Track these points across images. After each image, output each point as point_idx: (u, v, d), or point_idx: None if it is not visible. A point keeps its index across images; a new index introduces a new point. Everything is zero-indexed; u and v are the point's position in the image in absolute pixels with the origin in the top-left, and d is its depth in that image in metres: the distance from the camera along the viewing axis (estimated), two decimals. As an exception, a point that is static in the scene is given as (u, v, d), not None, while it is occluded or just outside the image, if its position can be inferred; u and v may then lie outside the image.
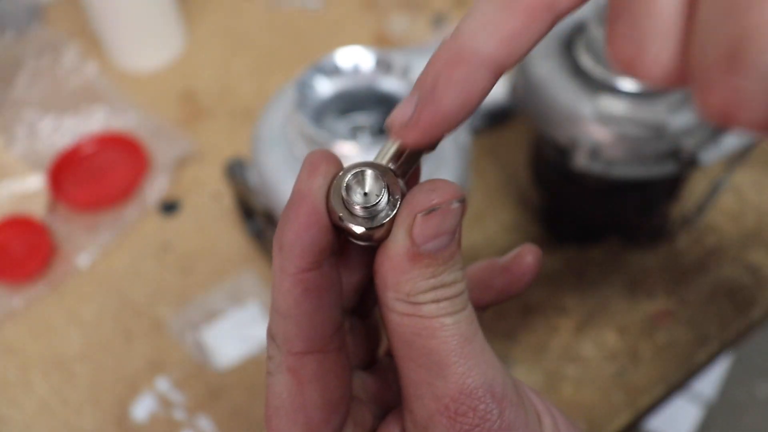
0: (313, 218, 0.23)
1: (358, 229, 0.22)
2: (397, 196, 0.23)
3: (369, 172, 0.23)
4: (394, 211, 0.22)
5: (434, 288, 0.22)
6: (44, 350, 0.65)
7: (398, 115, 0.22)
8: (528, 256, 0.28)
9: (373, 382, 0.29)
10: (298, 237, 0.23)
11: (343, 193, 0.23)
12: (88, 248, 0.71)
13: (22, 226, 0.71)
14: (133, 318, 0.67)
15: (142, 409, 0.61)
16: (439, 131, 0.21)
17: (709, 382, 1.33)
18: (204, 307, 0.66)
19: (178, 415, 0.61)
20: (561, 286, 0.66)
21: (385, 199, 0.22)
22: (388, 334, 0.23)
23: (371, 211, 0.22)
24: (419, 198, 0.22)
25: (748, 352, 1.35)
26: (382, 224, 0.22)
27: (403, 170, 0.23)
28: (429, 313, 0.22)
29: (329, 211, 0.23)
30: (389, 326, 0.23)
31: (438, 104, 0.21)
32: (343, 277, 0.26)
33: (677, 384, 0.62)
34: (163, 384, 0.62)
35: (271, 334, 0.24)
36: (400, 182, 0.23)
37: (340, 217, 0.22)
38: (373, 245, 0.23)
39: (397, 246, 0.22)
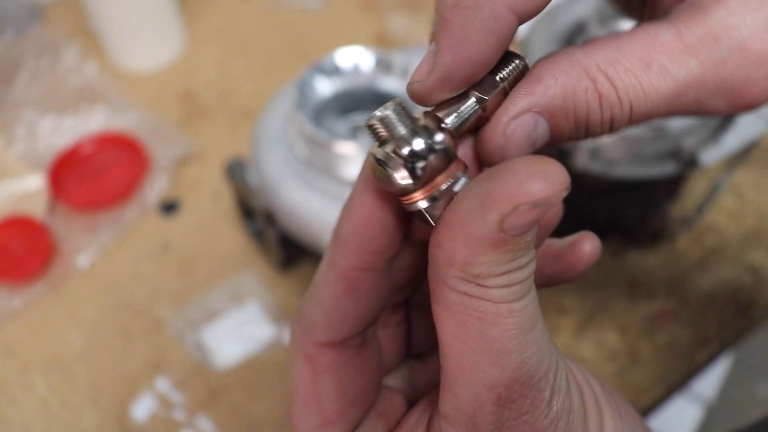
0: (376, 212, 0.21)
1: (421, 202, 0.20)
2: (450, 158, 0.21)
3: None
4: (460, 183, 0.21)
5: (508, 272, 0.20)
6: (44, 350, 0.65)
7: (418, 72, 0.21)
8: (586, 244, 0.27)
9: (424, 372, 0.28)
10: (355, 232, 0.22)
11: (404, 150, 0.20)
12: (87, 248, 0.71)
13: (21, 226, 0.71)
14: (133, 318, 0.67)
15: (142, 409, 0.61)
16: (465, 69, 0.20)
17: (710, 383, 1.33)
18: (204, 307, 0.66)
19: (178, 415, 0.61)
20: (561, 286, 0.66)
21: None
22: (437, 310, 0.21)
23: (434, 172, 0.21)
24: (529, 185, 0.18)
25: (749, 352, 1.35)
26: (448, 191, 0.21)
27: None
28: (498, 298, 0.20)
29: (389, 181, 0.20)
30: (443, 303, 0.21)
31: (462, 39, 0.20)
32: (396, 269, 0.24)
33: (677, 384, 0.62)
34: (163, 384, 0.62)
35: (300, 313, 0.24)
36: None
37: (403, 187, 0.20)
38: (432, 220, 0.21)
39: (480, 228, 0.19)
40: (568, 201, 0.70)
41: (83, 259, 0.70)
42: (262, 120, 0.61)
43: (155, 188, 0.75)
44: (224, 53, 0.89)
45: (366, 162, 0.21)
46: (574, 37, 0.60)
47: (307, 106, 0.55)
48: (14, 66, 0.87)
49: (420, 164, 0.20)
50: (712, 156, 0.56)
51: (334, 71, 0.57)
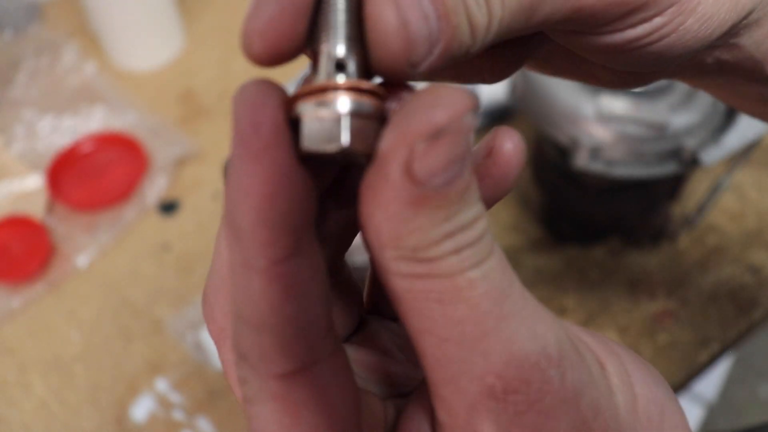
0: (280, 178, 0.16)
1: (333, 146, 0.16)
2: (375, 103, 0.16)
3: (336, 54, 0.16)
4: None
5: (451, 234, 0.16)
6: (43, 350, 0.65)
7: (251, 19, 0.17)
8: (505, 143, 0.20)
9: (366, 356, 0.22)
10: (262, 213, 0.16)
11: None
12: (87, 248, 0.70)
13: (21, 226, 0.71)
14: (132, 318, 0.66)
15: (142, 409, 0.61)
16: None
17: (710, 383, 1.32)
18: (203, 307, 0.66)
19: (178, 415, 0.60)
20: (561, 286, 0.66)
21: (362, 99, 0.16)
22: (394, 304, 0.17)
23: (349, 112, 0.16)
24: (417, 115, 0.15)
25: (750, 352, 1.35)
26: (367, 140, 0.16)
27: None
28: (449, 270, 0.16)
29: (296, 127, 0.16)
30: (395, 295, 0.17)
31: None
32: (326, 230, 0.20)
33: (678, 384, 0.61)
34: (162, 384, 0.62)
35: (239, 353, 0.18)
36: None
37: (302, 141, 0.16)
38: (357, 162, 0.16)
39: (390, 188, 0.15)
40: (568, 201, 0.70)
41: (82, 259, 0.70)
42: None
43: (155, 188, 0.74)
44: (224, 53, 0.88)
45: (246, 119, 0.16)
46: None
47: (307, 105, 0.55)
48: (13, 66, 0.87)
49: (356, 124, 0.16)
50: (713, 156, 0.55)
51: (333, 71, 0.57)
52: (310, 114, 0.16)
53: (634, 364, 0.20)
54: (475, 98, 0.16)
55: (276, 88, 0.17)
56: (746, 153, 0.59)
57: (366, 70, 0.17)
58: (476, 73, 0.26)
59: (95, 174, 0.76)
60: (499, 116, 0.76)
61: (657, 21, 0.21)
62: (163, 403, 0.61)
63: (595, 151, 0.56)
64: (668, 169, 0.56)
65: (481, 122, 0.76)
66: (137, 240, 0.72)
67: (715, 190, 0.65)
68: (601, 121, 0.55)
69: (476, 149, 0.20)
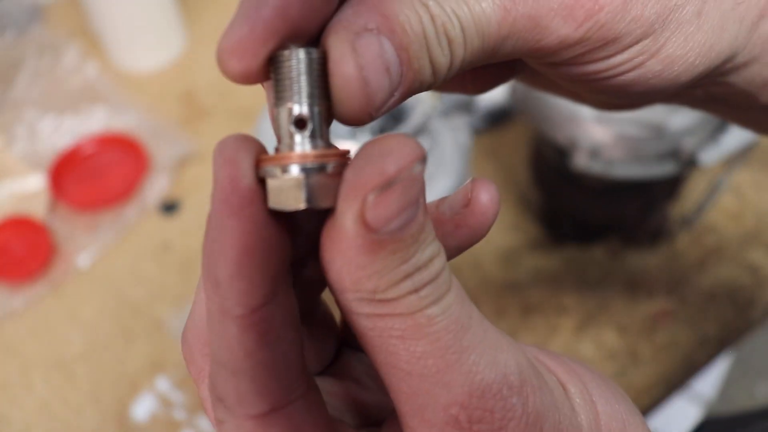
0: (256, 234, 0.17)
1: (298, 203, 0.17)
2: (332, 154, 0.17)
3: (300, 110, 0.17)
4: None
5: (408, 275, 0.16)
6: (44, 350, 0.65)
7: (229, 30, 0.17)
8: (482, 195, 0.21)
9: (339, 388, 0.23)
10: (239, 266, 0.17)
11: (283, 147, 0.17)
12: (88, 248, 0.71)
13: (22, 226, 0.71)
14: (133, 318, 0.67)
15: (143, 408, 0.61)
16: (295, 11, 0.17)
17: (709, 382, 1.33)
18: (204, 307, 0.66)
19: (178, 414, 0.61)
20: (561, 286, 0.66)
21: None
22: (360, 341, 0.18)
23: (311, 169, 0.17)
24: (369, 168, 0.16)
25: (748, 351, 1.35)
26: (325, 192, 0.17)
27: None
28: (408, 308, 0.16)
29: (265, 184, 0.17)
30: (359, 333, 0.17)
31: None
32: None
33: (677, 384, 0.62)
34: (163, 384, 0.62)
35: (216, 395, 0.18)
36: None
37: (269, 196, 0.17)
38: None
39: (346, 237, 0.16)
40: (568, 201, 0.70)
41: (83, 259, 0.70)
42: (262, 120, 0.61)
43: (155, 188, 0.75)
44: (224, 53, 0.89)
45: (225, 177, 0.17)
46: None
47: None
48: (15, 66, 0.87)
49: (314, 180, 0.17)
50: (711, 156, 0.56)
51: (334, 71, 0.57)
52: (273, 177, 0.17)
53: (595, 382, 0.20)
54: (422, 148, 0.16)
55: (252, 145, 0.17)
56: (744, 153, 0.59)
57: (328, 117, 0.18)
58: (458, 85, 0.27)
59: (96, 174, 0.76)
60: (499, 117, 0.76)
61: (616, 59, 0.21)
62: (164, 402, 0.61)
63: (594, 152, 0.57)
64: (667, 169, 0.57)
65: (482, 124, 0.76)
66: (138, 240, 0.72)
67: (713, 190, 0.65)
68: (600, 121, 0.55)
69: (454, 198, 0.21)
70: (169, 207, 0.74)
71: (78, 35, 0.90)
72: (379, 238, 0.16)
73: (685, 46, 0.22)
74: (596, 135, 0.56)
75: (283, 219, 0.18)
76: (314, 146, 0.17)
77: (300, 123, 0.17)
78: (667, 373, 0.61)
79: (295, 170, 0.17)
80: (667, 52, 0.21)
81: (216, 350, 0.18)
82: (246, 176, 0.17)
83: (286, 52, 0.17)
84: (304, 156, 0.17)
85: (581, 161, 0.57)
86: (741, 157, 0.60)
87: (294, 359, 0.18)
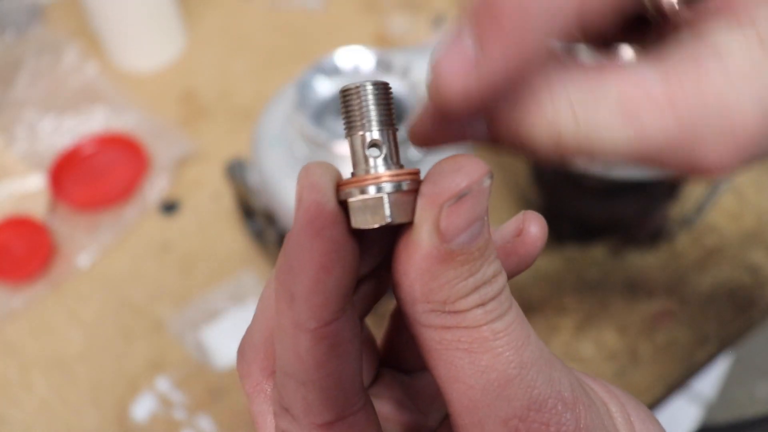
0: (335, 254, 0.18)
1: (378, 219, 0.18)
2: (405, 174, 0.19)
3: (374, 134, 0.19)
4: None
5: (476, 288, 0.18)
6: (44, 350, 0.65)
7: (448, 65, 0.17)
8: (531, 228, 0.23)
9: (381, 405, 0.24)
10: (317, 283, 0.18)
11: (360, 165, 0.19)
12: (88, 248, 0.71)
13: (22, 226, 0.71)
14: (133, 318, 0.67)
15: (143, 408, 0.61)
16: (515, 69, 0.17)
17: (709, 382, 1.33)
18: (204, 307, 0.67)
19: (179, 414, 0.61)
20: (561, 286, 0.66)
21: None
22: (424, 355, 0.19)
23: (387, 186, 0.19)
24: (443, 182, 0.17)
25: (748, 351, 1.35)
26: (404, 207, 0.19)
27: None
28: (475, 321, 0.18)
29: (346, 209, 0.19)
30: (425, 346, 0.19)
31: (516, 32, 0.17)
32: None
33: (677, 384, 0.62)
34: (163, 384, 0.62)
35: (282, 405, 0.20)
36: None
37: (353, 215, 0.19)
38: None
39: (422, 246, 0.18)
40: (568, 201, 0.70)
41: (84, 259, 0.70)
42: (262, 120, 0.61)
43: (155, 188, 0.75)
44: (224, 53, 0.89)
45: (311, 201, 0.18)
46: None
47: (307, 106, 0.55)
48: (15, 66, 0.87)
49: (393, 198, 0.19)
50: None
51: (334, 71, 0.57)
52: (354, 198, 0.19)
53: (631, 404, 0.22)
54: (487, 166, 0.18)
55: (332, 171, 0.19)
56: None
57: (397, 141, 0.20)
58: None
59: (96, 174, 0.76)
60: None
61: None
62: (164, 402, 0.61)
63: (594, 152, 0.56)
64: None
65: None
66: (138, 240, 0.72)
67: (713, 190, 0.65)
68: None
69: (506, 228, 0.23)
70: (169, 207, 0.74)
71: (78, 35, 0.90)
72: (451, 249, 0.17)
73: None
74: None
75: (358, 240, 0.19)
76: (388, 168, 0.19)
77: (374, 148, 0.19)
78: (667, 373, 0.61)
79: (373, 190, 0.18)
80: None
81: (285, 362, 0.19)
82: (330, 201, 0.18)
83: (353, 87, 0.19)
84: (379, 177, 0.18)
85: (581, 163, 0.57)
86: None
87: (356, 372, 0.19)
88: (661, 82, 0.19)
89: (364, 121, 0.19)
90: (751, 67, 0.18)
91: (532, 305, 0.65)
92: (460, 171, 0.17)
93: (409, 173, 0.19)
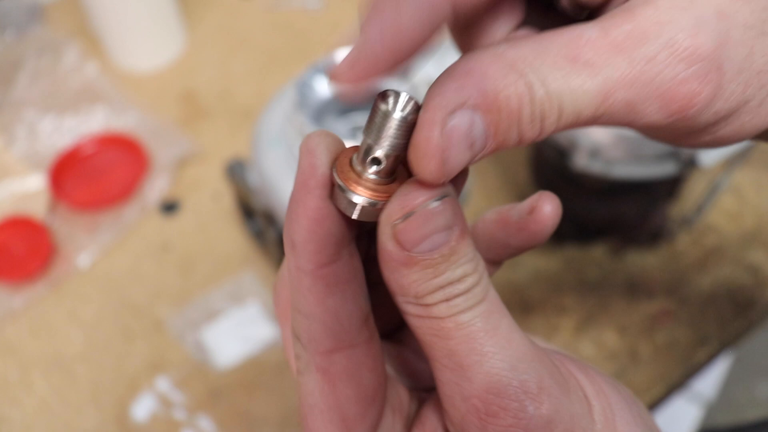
0: (324, 209, 0.21)
1: (354, 214, 0.21)
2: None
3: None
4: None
5: (441, 287, 0.20)
6: (44, 350, 0.65)
7: (341, 63, 0.19)
8: (546, 206, 0.25)
9: (400, 353, 0.27)
10: (310, 232, 0.21)
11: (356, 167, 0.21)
12: (88, 248, 0.71)
13: (22, 226, 0.71)
14: (133, 318, 0.67)
15: (143, 408, 0.61)
16: (393, 48, 0.19)
17: (709, 382, 1.33)
18: (204, 307, 0.67)
19: (179, 414, 0.61)
20: (561, 286, 0.66)
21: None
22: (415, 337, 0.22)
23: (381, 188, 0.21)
24: (392, 205, 0.20)
25: (748, 351, 1.35)
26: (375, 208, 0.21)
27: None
28: (441, 314, 0.20)
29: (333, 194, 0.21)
30: (411, 329, 0.22)
31: (390, 17, 0.18)
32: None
33: (677, 384, 0.62)
34: (163, 384, 0.62)
35: (295, 334, 0.23)
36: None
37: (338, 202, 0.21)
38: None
39: (388, 253, 0.20)
40: (568, 201, 0.70)
41: (84, 259, 0.70)
42: (262, 120, 0.61)
43: (155, 188, 0.75)
44: (224, 53, 0.89)
45: (306, 164, 0.21)
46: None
47: (307, 106, 0.55)
48: (15, 66, 0.87)
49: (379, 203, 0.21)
50: (711, 156, 0.56)
51: (334, 71, 0.57)
52: (340, 189, 0.21)
53: (620, 405, 0.23)
54: (442, 188, 0.20)
55: (332, 141, 0.21)
56: (744, 153, 0.59)
57: (401, 160, 0.21)
58: None
59: (96, 174, 0.76)
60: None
61: (693, 140, 0.23)
62: (164, 402, 0.61)
63: (594, 152, 0.57)
64: (667, 169, 0.57)
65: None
66: (138, 240, 0.72)
67: (713, 190, 0.65)
68: (600, 121, 0.55)
69: (522, 205, 0.26)
70: (169, 207, 0.74)
71: (78, 35, 0.91)
72: (411, 256, 0.20)
73: (754, 123, 0.23)
74: (596, 135, 0.56)
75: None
76: (378, 182, 0.21)
77: (374, 162, 0.21)
78: (667, 373, 0.61)
79: (353, 197, 0.21)
80: (739, 127, 0.23)
81: (294, 298, 0.22)
82: (322, 166, 0.21)
83: (383, 106, 0.20)
84: (364, 191, 0.21)
85: (581, 161, 0.57)
86: (741, 157, 0.60)
87: (356, 311, 0.22)
88: (599, 30, 0.20)
89: (378, 137, 0.20)
90: (682, 2, 0.20)
91: (532, 305, 0.65)
92: (407, 195, 0.20)
93: (388, 196, 0.21)
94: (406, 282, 0.20)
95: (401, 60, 0.19)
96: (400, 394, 0.25)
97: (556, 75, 0.19)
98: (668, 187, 0.63)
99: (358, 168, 0.21)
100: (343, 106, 0.59)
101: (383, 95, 0.20)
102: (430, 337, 0.21)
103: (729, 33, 0.20)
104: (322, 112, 0.58)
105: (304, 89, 0.56)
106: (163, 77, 0.86)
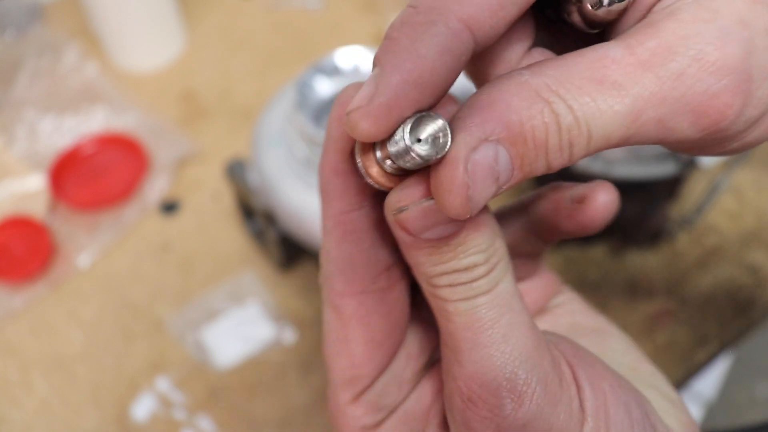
0: (342, 164, 0.22)
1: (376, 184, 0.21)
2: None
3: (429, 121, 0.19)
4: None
5: (446, 273, 0.21)
6: (45, 350, 0.65)
7: (358, 98, 0.19)
8: (600, 196, 0.24)
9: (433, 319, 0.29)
10: (329, 181, 0.22)
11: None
12: (88, 248, 0.71)
13: (22, 226, 0.71)
14: (133, 318, 0.67)
15: (143, 408, 0.61)
16: (415, 91, 0.18)
17: (709, 382, 1.33)
18: (204, 307, 0.67)
19: (179, 414, 0.61)
20: (561, 286, 0.66)
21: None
22: None
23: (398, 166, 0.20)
24: (391, 196, 0.20)
25: (748, 351, 1.35)
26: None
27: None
28: (444, 296, 0.21)
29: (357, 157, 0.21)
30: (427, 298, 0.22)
31: (411, 57, 0.18)
32: None
33: (677, 384, 0.62)
34: (163, 384, 0.62)
35: (321, 271, 0.25)
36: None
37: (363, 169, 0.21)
38: None
39: (396, 234, 0.21)
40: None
41: (84, 259, 0.70)
42: (262, 120, 0.61)
43: (155, 188, 0.75)
44: (224, 53, 0.89)
45: (334, 116, 0.22)
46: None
47: (307, 106, 0.55)
48: (15, 66, 0.87)
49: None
50: (711, 157, 0.56)
51: (334, 71, 0.57)
52: (360, 156, 0.21)
53: (616, 408, 0.22)
54: (419, 192, 0.20)
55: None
56: (744, 153, 0.59)
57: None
58: None
59: (96, 174, 0.76)
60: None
61: (723, 148, 0.22)
62: (164, 402, 0.61)
63: (594, 152, 0.56)
64: (667, 169, 0.57)
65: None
66: (138, 240, 0.72)
67: (713, 190, 0.65)
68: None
69: (577, 190, 0.25)
70: (169, 207, 0.74)
71: (78, 35, 0.90)
72: (417, 240, 0.20)
73: None
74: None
75: None
76: (395, 170, 0.20)
77: (390, 159, 0.20)
78: (667, 372, 0.61)
79: (366, 177, 0.21)
80: (766, 129, 0.22)
81: (322, 240, 0.24)
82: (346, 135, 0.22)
83: (407, 142, 0.19)
84: (376, 173, 0.20)
85: (581, 161, 0.57)
86: (741, 157, 0.60)
87: (372, 261, 0.23)
88: (623, 48, 0.19)
89: (399, 159, 0.19)
90: (705, 14, 0.19)
91: (532, 305, 0.65)
92: (403, 191, 0.20)
93: (395, 184, 0.21)
94: (414, 261, 0.21)
95: (428, 97, 0.19)
96: (423, 344, 0.26)
97: (584, 100, 0.19)
98: (668, 187, 0.63)
99: (378, 152, 0.20)
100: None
101: (413, 126, 0.19)
102: (436, 312, 0.22)
103: (753, 41, 0.19)
104: (322, 112, 0.58)
105: (304, 89, 0.56)
106: (163, 77, 0.86)
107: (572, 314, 0.29)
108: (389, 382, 0.25)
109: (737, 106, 0.19)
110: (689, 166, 0.56)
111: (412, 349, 0.26)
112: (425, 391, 0.26)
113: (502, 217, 0.28)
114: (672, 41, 0.19)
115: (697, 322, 0.63)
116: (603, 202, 0.24)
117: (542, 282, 0.30)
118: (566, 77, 0.19)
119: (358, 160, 0.21)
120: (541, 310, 0.30)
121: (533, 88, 0.19)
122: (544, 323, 0.29)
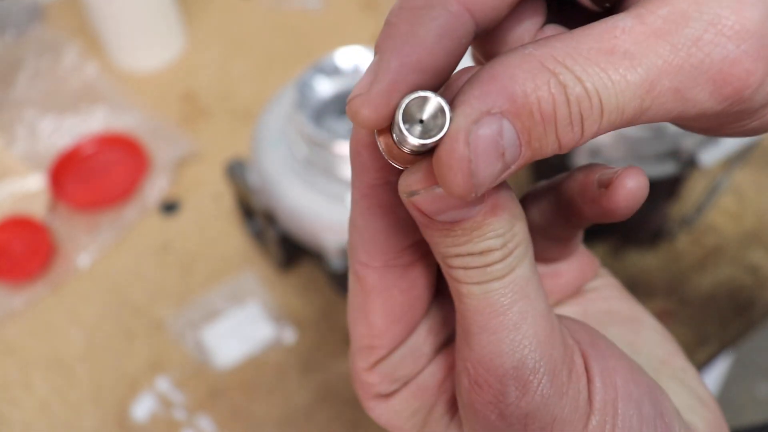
0: (366, 138, 0.21)
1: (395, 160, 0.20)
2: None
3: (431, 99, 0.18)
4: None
5: (460, 255, 0.20)
6: (45, 350, 0.65)
7: (358, 86, 0.18)
8: (628, 181, 0.22)
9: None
10: (356, 154, 0.22)
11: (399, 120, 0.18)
12: (88, 248, 0.71)
13: (22, 226, 0.71)
14: (133, 318, 0.67)
15: (143, 408, 0.61)
16: (415, 75, 0.18)
17: (709, 382, 1.33)
18: (204, 307, 0.67)
19: (179, 414, 0.61)
20: (561, 286, 0.66)
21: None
22: None
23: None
24: (401, 181, 0.20)
25: (748, 351, 1.35)
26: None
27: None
28: (458, 278, 0.20)
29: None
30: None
31: (409, 41, 0.18)
32: None
33: (677, 384, 0.62)
34: (163, 384, 0.62)
35: (351, 244, 0.24)
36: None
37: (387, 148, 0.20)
38: None
39: (413, 214, 0.20)
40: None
41: (84, 259, 0.70)
42: (262, 120, 0.61)
43: (155, 188, 0.75)
44: (224, 53, 0.89)
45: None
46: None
47: (307, 106, 0.55)
48: (15, 66, 0.87)
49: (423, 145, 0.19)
50: (711, 156, 0.56)
51: (334, 71, 0.57)
52: (378, 134, 0.20)
53: (626, 404, 0.21)
54: (425, 179, 0.20)
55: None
56: (745, 153, 0.59)
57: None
58: None
59: (96, 174, 0.76)
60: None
61: (746, 125, 0.21)
62: (165, 402, 0.61)
63: (594, 152, 0.57)
64: (667, 169, 0.57)
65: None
66: (138, 240, 0.72)
67: (713, 190, 0.65)
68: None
69: (604, 173, 0.23)
70: (169, 207, 0.74)
71: (78, 35, 0.90)
72: (433, 222, 0.20)
73: None
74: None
75: None
76: (410, 149, 0.19)
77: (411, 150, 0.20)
78: (667, 373, 0.61)
79: (387, 157, 0.20)
80: None
81: (350, 209, 0.24)
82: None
83: (404, 128, 0.18)
84: (395, 155, 0.20)
85: (581, 161, 0.57)
86: (741, 157, 0.60)
87: (396, 236, 0.23)
88: (634, 17, 0.18)
89: (403, 143, 0.19)
90: None
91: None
92: (412, 174, 0.19)
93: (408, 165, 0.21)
94: (431, 240, 0.21)
95: (428, 81, 0.18)
96: (446, 319, 0.26)
97: (593, 70, 0.18)
98: (668, 187, 0.63)
99: (393, 134, 0.20)
100: (343, 106, 0.59)
101: (406, 109, 0.18)
102: (452, 291, 0.21)
103: None
104: (322, 112, 0.58)
105: (304, 89, 0.56)
106: (163, 77, 0.86)
107: (607, 300, 0.29)
108: (406, 355, 0.25)
109: (760, 73, 0.18)
110: (689, 166, 0.56)
111: (434, 323, 0.26)
112: (440, 366, 0.26)
113: (535, 196, 0.26)
114: (684, 7, 0.18)
115: (697, 322, 0.63)
116: (630, 188, 0.22)
117: (578, 264, 0.29)
118: (574, 48, 0.18)
119: (378, 140, 0.20)
120: (576, 292, 0.29)
121: (538, 59, 0.18)
122: (577, 306, 0.28)
